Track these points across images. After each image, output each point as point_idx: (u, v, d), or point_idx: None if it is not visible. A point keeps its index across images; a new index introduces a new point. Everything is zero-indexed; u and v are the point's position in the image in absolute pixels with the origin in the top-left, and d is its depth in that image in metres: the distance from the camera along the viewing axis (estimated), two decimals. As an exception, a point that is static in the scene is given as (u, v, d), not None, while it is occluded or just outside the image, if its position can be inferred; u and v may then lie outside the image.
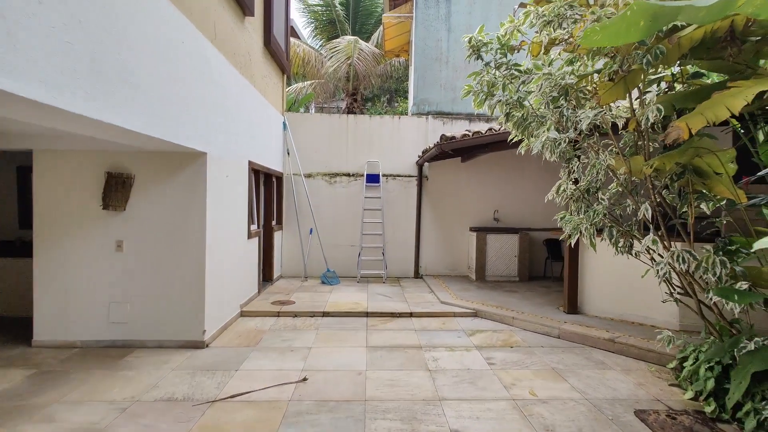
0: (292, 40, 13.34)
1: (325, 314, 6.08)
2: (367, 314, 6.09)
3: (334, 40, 12.59)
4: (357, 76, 13.68)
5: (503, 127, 4.21)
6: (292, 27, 17.76)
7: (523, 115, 3.88)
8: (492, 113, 4.02)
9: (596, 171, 3.57)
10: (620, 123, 3.75)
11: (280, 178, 8.58)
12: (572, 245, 4.59)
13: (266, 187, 7.92)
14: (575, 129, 3.57)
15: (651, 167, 3.33)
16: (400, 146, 8.94)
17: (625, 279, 5.53)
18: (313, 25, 14.85)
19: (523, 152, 4.57)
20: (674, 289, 3.76)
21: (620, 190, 3.89)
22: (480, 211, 8.97)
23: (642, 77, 3.28)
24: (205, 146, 4.69)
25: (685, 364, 3.85)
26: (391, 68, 14.20)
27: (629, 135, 3.83)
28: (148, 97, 3.41)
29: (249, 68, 6.31)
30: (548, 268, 8.94)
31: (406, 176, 8.93)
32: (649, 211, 3.36)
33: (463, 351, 4.74)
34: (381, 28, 12.20)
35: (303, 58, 13.24)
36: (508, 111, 3.91)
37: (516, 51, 3.96)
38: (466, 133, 6.28)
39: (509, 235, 8.42)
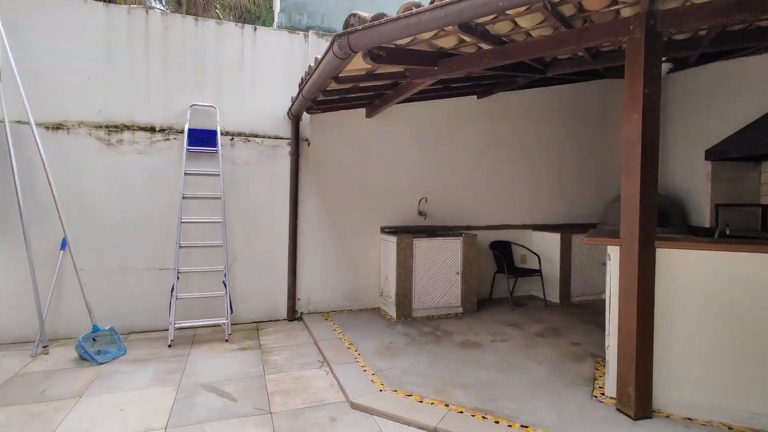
0: None
1: None
2: (143, 506, 2.03)
3: None
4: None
5: None
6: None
7: None
8: None
9: None
10: None
11: (-26, 129, 3.80)
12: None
13: None
14: None
15: None
16: (258, 82, 4.89)
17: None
18: None
19: None
20: None
21: None
22: (398, 199, 5.45)
23: None
24: None
25: None
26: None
27: None
28: None
29: None
30: (496, 286, 5.88)
31: (269, 137, 4.92)
32: None
33: None
34: None
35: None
36: None
37: None
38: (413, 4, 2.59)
39: (448, 239, 5.08)
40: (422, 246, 4.93)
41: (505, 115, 5.94)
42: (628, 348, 2.68)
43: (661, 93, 6.60)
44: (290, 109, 4.72)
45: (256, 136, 4.85)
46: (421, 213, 5.48)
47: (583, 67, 4.33)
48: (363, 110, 5.24)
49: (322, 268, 5.10)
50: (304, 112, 4.93)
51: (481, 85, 5.33)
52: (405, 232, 5.19)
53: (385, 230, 5.28)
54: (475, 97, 5.77)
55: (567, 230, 5.85)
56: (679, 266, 2.70)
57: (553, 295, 5.68)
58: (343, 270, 5.20)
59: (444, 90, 5.15)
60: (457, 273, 5.08)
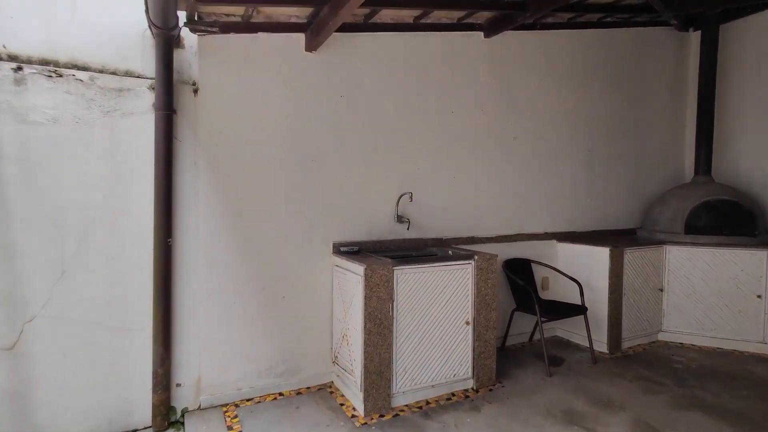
0: None
1: None
2: None
3: None
4: None
5: None
6: None
7: None
8: None
9: None
10: None
11: None
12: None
13: None
14: None
15: None
16: (87, -36, 2.44)
17: None
18: None
19: None
20: None
21: None
22: (363, 196, 3.21)
23: None
24: None
25: None
26: None
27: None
28: None
29: None
30: (512, 328, 3.84)
31: (110, 72, 2.48)
32: None
33: None
34: None
35: None
36: None
37: None
38: None
39: (452, 265, 2.92)
40: (409, 279, 2.75)
41: (521, 66, 3.89)
42: None
43: (719, 47, 4.84)
44: (151, 22, 2.33)
45: (83, 68, 2.41)
46: (401, 219, 3.28)
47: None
48: (301, 37, 2.94)
49: (225, 323, 2.77)
50: (187, 29, 2.57)
51: (499, 4, 3.22)
52: (376, 253, 3.00)
53: (343, 249, 3.03)
54: (482, 34, 3.66)
55: (602, 240, 3.97)
56: None
57: (598, 340, 3.73)
58: (264, 323, 2.89)
59: (443, 4, 3.00)
60: (467, 323, 2.96)
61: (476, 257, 2.97)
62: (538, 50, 3.96)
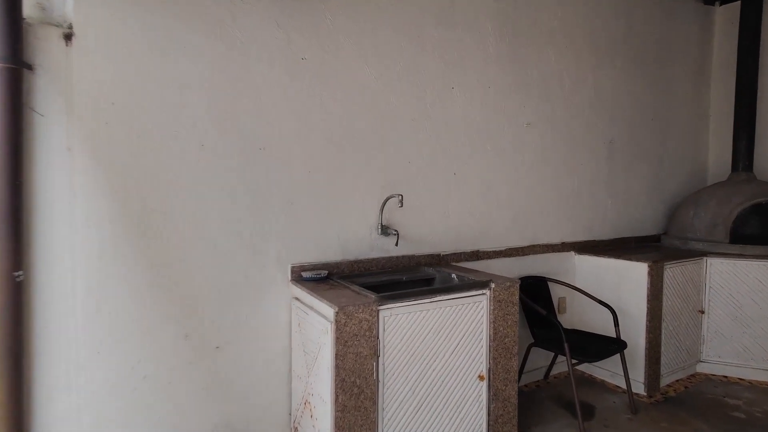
0: None
1: None
2: None
3: None
4: None
5: None
6: None
7: None
8: None
9: None
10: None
11: None
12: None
13: None
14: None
15: None
16: None
17: None
18: None
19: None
20: None
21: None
22: (332, 199, 2.31)
23: None
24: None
25: None
26: None
27: None
28: None
29: None
30: (526, 365, 3.02)
31: None
32: None
33: None
34: None
35: None
36: None
37: None
38: None
39: (461, 297, 2.06)
40: (401, 322, 1.89)
41: (535, 34, 3.07)
42: None
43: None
44: None
45: None
46: (387, 230, 2.40)
47: None
48: (240, -34, 2.01)
49: (125, 393, 1.83)
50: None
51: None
52: (353, 279, 2.11)
53: (305, 275, 2.13)
54: (489, -13, 2.82)
55: (628, 250, 3.24)
56: None
57: (633, 379, 2.96)
58: (188, 387, 1.96)
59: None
60: (481, 377, 2.12)
61: (493, 285, 2.13)
62: (555, 16, 3.15)
